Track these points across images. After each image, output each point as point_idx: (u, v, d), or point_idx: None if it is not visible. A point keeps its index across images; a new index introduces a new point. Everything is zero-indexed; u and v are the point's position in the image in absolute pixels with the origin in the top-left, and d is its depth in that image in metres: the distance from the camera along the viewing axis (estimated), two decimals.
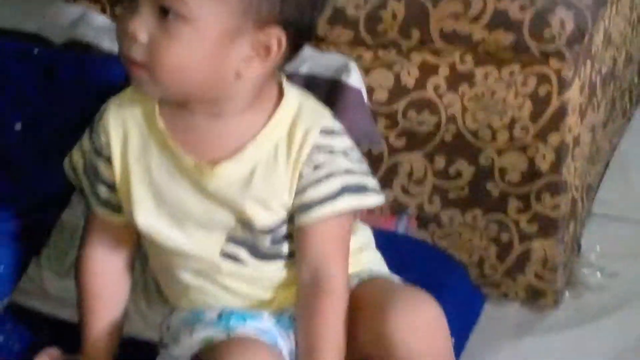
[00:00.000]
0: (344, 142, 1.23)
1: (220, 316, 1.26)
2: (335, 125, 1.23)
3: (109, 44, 1.63)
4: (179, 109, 1.21)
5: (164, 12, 1.13)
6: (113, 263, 1.31)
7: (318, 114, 1.24)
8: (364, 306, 1.23)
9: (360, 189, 1.22)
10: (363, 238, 1.31)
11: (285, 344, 1.27)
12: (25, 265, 1.49)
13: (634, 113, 2.25)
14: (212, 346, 1.23)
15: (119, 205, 1.28)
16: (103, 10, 1.77)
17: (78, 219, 1.47)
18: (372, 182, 1.24)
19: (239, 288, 1.27)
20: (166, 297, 1.34)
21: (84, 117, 1.37)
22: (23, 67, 1.60)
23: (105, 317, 1.31)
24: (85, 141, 1.29)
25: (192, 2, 1.12)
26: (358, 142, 1.49)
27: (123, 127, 1.25)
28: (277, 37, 1.16)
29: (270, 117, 1.21)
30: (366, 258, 1.31)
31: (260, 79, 1.19)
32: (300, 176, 1.21)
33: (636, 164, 2.11)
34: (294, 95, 1.24)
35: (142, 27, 1.14)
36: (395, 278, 1.32)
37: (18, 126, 1.55)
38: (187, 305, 1.29)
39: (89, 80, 1.57)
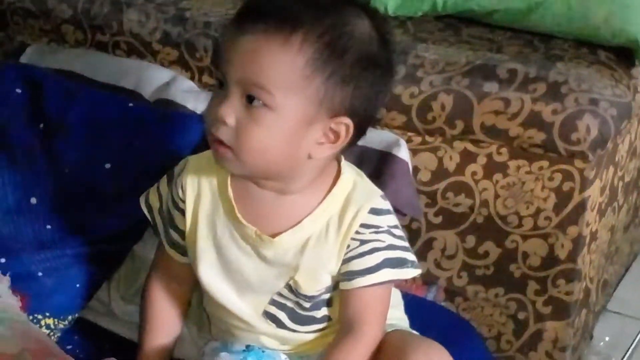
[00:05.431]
0: (389, 220, 1.29)
1: (244, 349, 1.35)
2: (384, 205, 1.29)
3: (192, 105, 1.75)
4: (249, 182, 1.28)
5: (250, 100, 1.19)
6: (173, 294, 1.41)
7: (369, 195, 1.29)
8: (383, 352, 1.31)
9: (399, 263, 1.29)
10: (391, 299, 1.37)
11: None
12: (97, 286, 1.58)
13: None
14: None
15: (186, 249, 1.36)
16: (192, 78, 1.89)
17: (147, 253, 1.56)
18: (411, 256, 1.30)
19: (271, 343, 1.35)
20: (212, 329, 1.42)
21: (165, 163, 1.45)
22: (119, 116, 1.70)
23: (159, 338, 1.41)
24: (163, 186, 1.37)
25: (277, 93, 1.18)
26: (401, 209, 1.56)
27: (198, 187, 1.32)
28: (345, 125, 1.23)
29: (327, 194, 1.28)
30: (391, 315, 1.37)
31: (327, 160, 1.26)
32: (348, 249, 1.27)
33: None
34: (349, 175, 1.29)
35: (231, 112, 1.20)
36: (415, 333, 1.39)
37: (108, 165, 1.63)
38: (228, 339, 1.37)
39: (172, 133, 1.66)
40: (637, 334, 2.00)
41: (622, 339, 1.97)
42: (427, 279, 1.81)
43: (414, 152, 1.75)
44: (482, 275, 1.80)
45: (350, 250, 1.28)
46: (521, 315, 1.80)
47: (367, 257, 1.28)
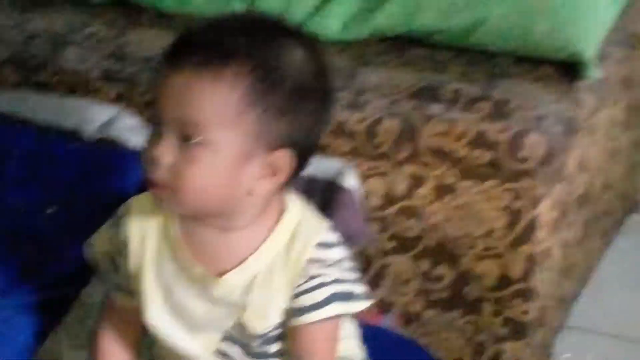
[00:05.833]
0: (337, 253, 1.26)
1: None
2: (331, 238, 1.26)
3: (136, 141, 1.71)
4: (193, 221, 1.25)
5: (185, 138, 1.16)
6: (123, 338, 1.36)
7: (315, 229, 1.26)
8: None
9: (348, 297, 1.25)
10: (344, 330, 1.34)
11: None
12: (44, 336, 1.53)
13: (614, 238, 2.27)
14: None
15: (132, 292, 1.31)
16: (136, 114, 1.83)
17: (95, 297, 1.53)
18: (359, 289, 1.26)
19: None
20: None
21: (110, 204, 1.39)
22: (60, 159, 1.68)
23: None
24: (107, 230, 1.33)
25: (212, 130, 1.16)
26: (349, 238, 1.51)
27: (143, 229, 1.29)
28: (284, 158, 1.20)
29: (272, 230, 1.25)
30: (344, 346, 1.34)
31: (269, 194, 1.23)
32: (295, 284, 1.24)
33: (613, 284, 2.17)
34: (294, 209, 1.26)
35: (166, 152, 1.17)
36: None
37: (50, 209, 1.61)
38: None
39: (115, 174, 1.65)
40: (598, 348, 1.99)
41: (582, 353, 1.96)
42: (383, 306, 1.80)
43: (363, 178, 1.74)
44: (438, 299, 1.80)
45: (298, 287, 1.25)
46: (479, 338, 1.80)
47: (315, 292, 1.25)
